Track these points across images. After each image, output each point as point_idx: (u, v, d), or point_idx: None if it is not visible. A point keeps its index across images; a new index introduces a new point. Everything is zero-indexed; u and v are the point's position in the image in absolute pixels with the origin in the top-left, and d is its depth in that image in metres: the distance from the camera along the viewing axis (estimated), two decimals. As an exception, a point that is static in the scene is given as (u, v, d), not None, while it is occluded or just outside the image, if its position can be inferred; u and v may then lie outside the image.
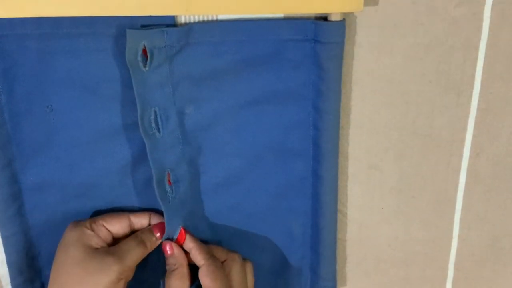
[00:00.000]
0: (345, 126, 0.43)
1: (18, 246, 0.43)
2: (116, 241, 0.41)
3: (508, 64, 0.41)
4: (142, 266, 0.41)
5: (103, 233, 0.40)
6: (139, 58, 0.36)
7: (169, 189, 0.41)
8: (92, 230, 0.39)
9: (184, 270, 0.40)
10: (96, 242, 0.39)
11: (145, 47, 0.36)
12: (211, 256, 0.41)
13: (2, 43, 0.38)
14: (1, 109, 0.39)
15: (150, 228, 0.41)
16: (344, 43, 0.38)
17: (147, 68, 0.37)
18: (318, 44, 0.38)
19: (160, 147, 0.40)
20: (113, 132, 0.41)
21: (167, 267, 0.41)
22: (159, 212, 0.43)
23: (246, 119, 0.41)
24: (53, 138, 0.41)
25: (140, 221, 0.42)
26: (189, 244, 0.41)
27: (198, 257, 0.41)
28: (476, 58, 0.40)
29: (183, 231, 0.42)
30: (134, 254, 0.39)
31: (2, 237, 0.42)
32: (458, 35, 0.40)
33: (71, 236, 0.38)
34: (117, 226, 0.41)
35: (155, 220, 0.42)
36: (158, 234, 0.41)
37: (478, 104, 0.42)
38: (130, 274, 0.40)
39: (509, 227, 0.47)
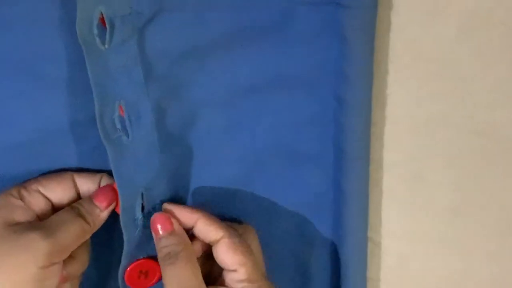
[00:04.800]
0: (378, 123, 0.40)
1: None
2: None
3: None
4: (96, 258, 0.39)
5: (37, 202, 0.35)
6: (95, 31, 0.32)
7: (140, 217, 0.37)
8: (21, 198, 0.35)
9: (192, 252, 0.36)
10: (20, 214, 0.34)
11: (102, 15, 0.32)
12: (229, 227, 0.36)
13: None
14: None
15: (90, 197, 0.37)
16: (377, 7, 0.35)
17: (106, 46, 0.33)
18: (341, 9, 0.35)
19: (129, 157, 0.36)
20: (61, 130, 0.37)
21: (163, 252, 0.35)
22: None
23: (243, 113, 0.38)
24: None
25: (87, 184, 0.37)
26: (193, 215, 0.36)
27: (212, 230, 0.35)
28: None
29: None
30: (69, 230, 0.34)
31: None
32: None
33: None
34: (58, 190, 0.36)
35: (106, 183, 0.38)
36: (104, 204, 0.36)
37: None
38: (75, 264, 0.36)
39: None
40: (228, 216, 0.41)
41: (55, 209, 0.36)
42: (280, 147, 0.40)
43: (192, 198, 0.40)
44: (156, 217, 0.36)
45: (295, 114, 0.39)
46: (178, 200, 0.39)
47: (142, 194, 0.37)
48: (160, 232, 0.36)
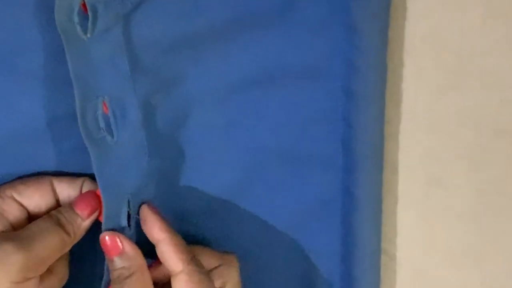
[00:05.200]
0: (392, 121, 0.39)
1: None
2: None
3: None
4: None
5: (11, 210, 0.34)
6: (76, 19, 0.30)
7: (125, 226, 0.35)
8: None
9: (145, 277, 0.34)
10: None
11: (84, 1, 0.30)
12: (193, 260, 0.34)
13: None
14: None
15: (70, 204, 0.35)
16: (391, -8, 0.35)
17: (88, 35, 0.31)
18: (351, -6, 0.35)
19: (114, 160, 0.34)
20: (37, 128, 0.35)
21: (113, 274, 0.34)
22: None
23: (241, 110, 0.37)
24: None
25: (67, 189, 0.36)
26: (160, 233, 0.34)
27: (172, 259, 0.33)
28: None
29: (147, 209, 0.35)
30: (47, 241, 0.33)
31: None
32: None
33: None
34: (35, 197, 0.35)
35: (88, 188, 0.36)
36: (86, 212, 0.35)
37: None
38: (52, 279, 0.34)
39: None
40: (220, 230, 0.39)
41: (32, 217, 0.35)
42: (283, 147, 0.38)
43: (183, 205, 0.38)
44: (103, 236, 0.34)
45: (300, 111, 0.37)
46: (167, 207, 0.37)
47: (128, 201, 0.35)
48: (112, 251, 0.34)
